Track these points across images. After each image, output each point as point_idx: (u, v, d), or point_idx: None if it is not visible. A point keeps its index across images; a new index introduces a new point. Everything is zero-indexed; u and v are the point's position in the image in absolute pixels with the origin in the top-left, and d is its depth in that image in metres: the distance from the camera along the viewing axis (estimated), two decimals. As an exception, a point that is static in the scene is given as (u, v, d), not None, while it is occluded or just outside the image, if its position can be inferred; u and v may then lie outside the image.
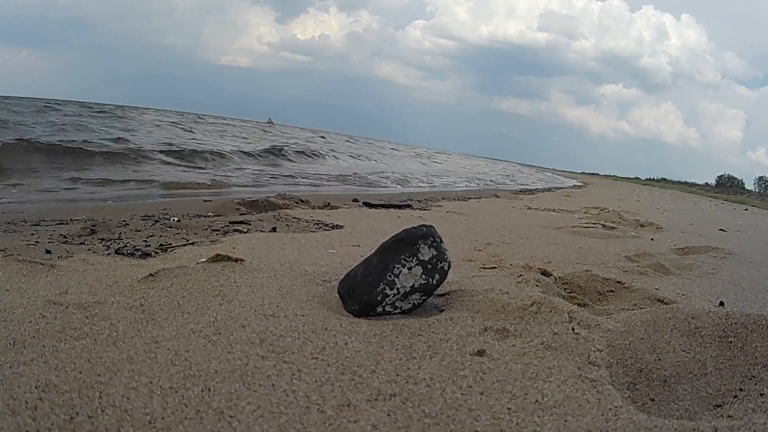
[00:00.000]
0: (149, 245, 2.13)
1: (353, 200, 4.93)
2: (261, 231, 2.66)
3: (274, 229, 2.75)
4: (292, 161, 11.07)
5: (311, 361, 1.03)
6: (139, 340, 1.08)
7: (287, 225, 2.97)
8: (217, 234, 2.50)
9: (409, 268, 1.32)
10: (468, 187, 11.25)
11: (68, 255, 1.86)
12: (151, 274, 1.46)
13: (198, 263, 1.61)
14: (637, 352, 1.14)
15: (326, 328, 1.19)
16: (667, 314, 1.30)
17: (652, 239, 3.42)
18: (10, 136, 7.21)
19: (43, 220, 2.80)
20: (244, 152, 10.52)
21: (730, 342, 1.18)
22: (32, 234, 2.30)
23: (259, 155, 10.58)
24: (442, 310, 1.37)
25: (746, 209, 12.58)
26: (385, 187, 8.71)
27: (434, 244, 1.35)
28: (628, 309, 1.54)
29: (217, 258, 1.60)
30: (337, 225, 3.02)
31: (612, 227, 3.85)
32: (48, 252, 1.90)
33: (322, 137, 24.08)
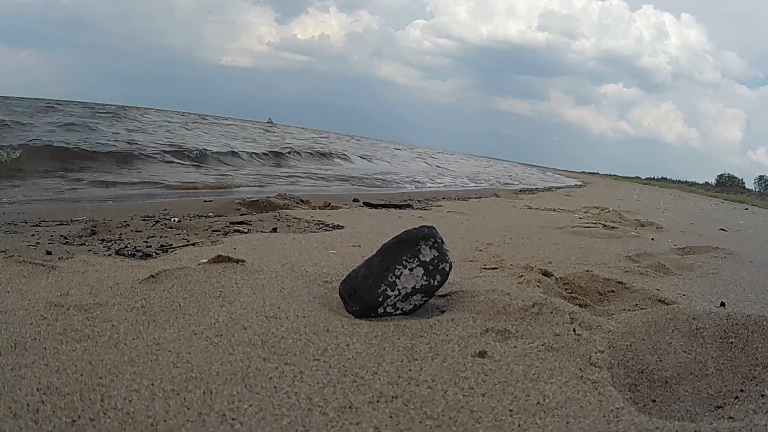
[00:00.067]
0: (150, 246, 2.13)
1: (353, 200, 4.93)
2: (262, 231, 2.67)
3: (274, 230, 2.75)
4: (303, 163, 11.07)
5: (313, 363, 1.03)
6: (140, 342, 1.08)
7: (288, 225, 2.97)
8: (217, 234, 2.50)
9: (411, 269, 1.32)
10: (478, 186, 11.34)
11: (69, 256, 1.86)
12: (152, 276, 1.46)
13: (199, 264, 1.61)
14: (639, 353, 1.14)
15: (328, 330, 1.19)
16: (668, 315, 1.30)
17: (652, 239, 3.42)
18: (16, 139, 7.20)
19: (44, 221, 2.80)
20: (252, 153, 10.53)
21: (731, 343, 1.18)
22: (33, 235, 2.30)
23: (265, 155, 10.58)
24: (444, 311, 1.37)
25: (746, 209, 12.58)
26: (396, 187, 8.71)
27: (435, 245, 1.35)
28: (629, 310, 1.55)
29: (218, 259, 1.60)
30: (338, 225, 3.02)
31: (612, 227, 3.85)
32: (49, 253, 1.90)
33: (326, 138, 24.11)
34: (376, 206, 4.47)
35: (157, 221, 2.88)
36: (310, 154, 12.30)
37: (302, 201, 4.27)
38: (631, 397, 0.98)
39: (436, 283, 1.35)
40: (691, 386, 1.05)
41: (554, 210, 5.52)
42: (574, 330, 1.17)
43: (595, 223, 4.02)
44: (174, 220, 2.93)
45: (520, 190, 10.86)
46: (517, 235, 3.10)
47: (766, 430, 0.84)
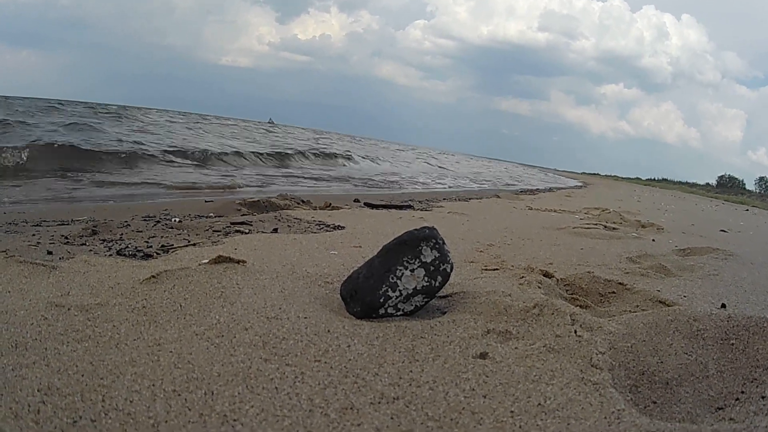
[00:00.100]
0: (151, 246, 2.13)
1: (354, 200, 4.93)
2: (262, 232, 2.67)
3: (275, 230, 2.75)
4: (307, 163, 11.06)
5: (314, 364, 1.03)
6: (141, 342, 1.08)
7: (289, 226, 2.97)
8: (218, 235, 2.50)
9: (412, 270, 1.32)
10: (479, 186, 11.36)
11: (70, 256, 1.86)
12: (153, 276, 1.46)
13: (200, 265, 1.61)
14: (639, 355, 1.14)
15: (329, 331, 1.19)
16: (669, 316, 1.30)
17: (653, 240, 3.42)
18: (19, 140, 7.19)
19: (45, 221, 2.81)
20: (255, 153, 10.53)
21: (732, 344, 1.17)
22: (33, 235, 2.30)
23: (268, 156, 10.58)
24: (445, 312, 1.37)
25: (747, 210, 12.58)
26: (399, 187, 8.71)
27: (437, 246, 1.35)
28: (630, 311, 1.55)
29: (219, 259, 1.60)
30: (339, 226, 3.02)
31: (613, 228, 3.85)
32: (49, 253, 1.91)
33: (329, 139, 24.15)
34: (376, 207, 4.47)
35: (158, 221, 2.88)
36: (315, 154, 12.29)
37: (303, 201, 4.28)
38: (632, 399, 0.98)
39: (437, 284, 1.35)
40: (691, 388, 1.05)
41: (555, 211, 5.52)
42: (575, 331, 1.17)
43: (596, 224, 4.02)
44: (175, 221, 2.93)
45: (521, 191, 10.87)
46: (518, 236, 3.10)
47: (766, 431, 0.84)
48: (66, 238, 2.25)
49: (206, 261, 1.64)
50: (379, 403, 0.91)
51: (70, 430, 0.78)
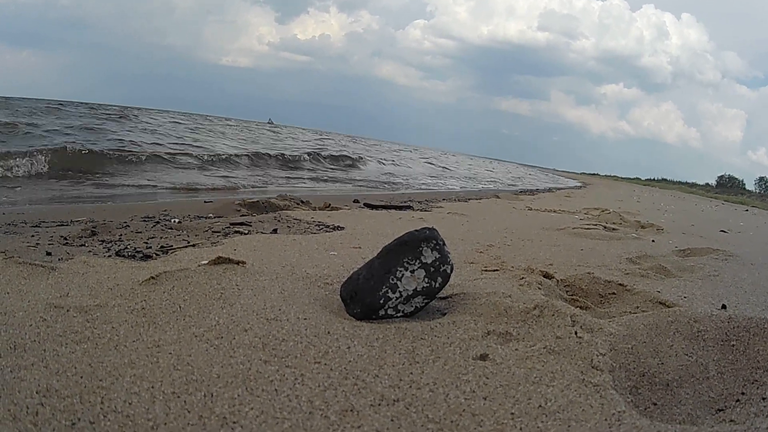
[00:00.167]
0: (150, 247, 2.13)
1: (354, 201, 4.93)
2: (262, 233, 2.66)
3: (275, 231, 2.75)
4: (319, 165, 11.06)
5: (314, 366, 1.03)
6: (140, 344, 1.08)
7: (288, 226, 2.96)
8: (217, 236, 2.50)
9: (412, 271, 1.32)
10: (479, 187, 11.42)
11: (69, 257, 1.86)
12: (153, 277, 1.46)
13: (199, 265, 1.61)
14: (640, 356, 1.13)
15: (329, 332, 1.19)
16: (670, 317, 1.30)
17: (653, 241, 3.41)
18: (24, 145, 7.18)
19: (44, 222, 2.80)
20: (256, 153, 10.51)
21: (733, 346, 1.17)
22: (32, 236, 2.30)
23: (271, 157, 10.56)
24: (445, 314, 1.37)
25: (747, 210, 12.58)
26: (404, 188, 8.71)
27: (437, 247, 1.35)
28: (631, 312, 1.54)
29: (219, 260, 1.59)
30: (338, 226, 3.02)
31: (613, 228, 3.85)
32: (48, 254, 1.90)
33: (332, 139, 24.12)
34: (376, 207, 4.47)
35: (158, 222, 2.88)
36: (323, 157, 12.26)
37: (302, 202, 4.27)
38: (632, 401, 0.98)
39: (437, 285, 1.34)
40: (692, 389, 1.05)
41: (555, 211, 5.52)
42: (576, 333, 1.17)
43: (596, 225, 4.02)
44: (174, 221, 2.93)
45: (521, 191, 10.87)
46: (518, 237, 3.10)
47: (768, 433, 0.84)
48: (65, 239, 2.24)
49: (206, 262, 1.64)
50: (379, 405, 0.91)
51: (68, 432, 0.78)
